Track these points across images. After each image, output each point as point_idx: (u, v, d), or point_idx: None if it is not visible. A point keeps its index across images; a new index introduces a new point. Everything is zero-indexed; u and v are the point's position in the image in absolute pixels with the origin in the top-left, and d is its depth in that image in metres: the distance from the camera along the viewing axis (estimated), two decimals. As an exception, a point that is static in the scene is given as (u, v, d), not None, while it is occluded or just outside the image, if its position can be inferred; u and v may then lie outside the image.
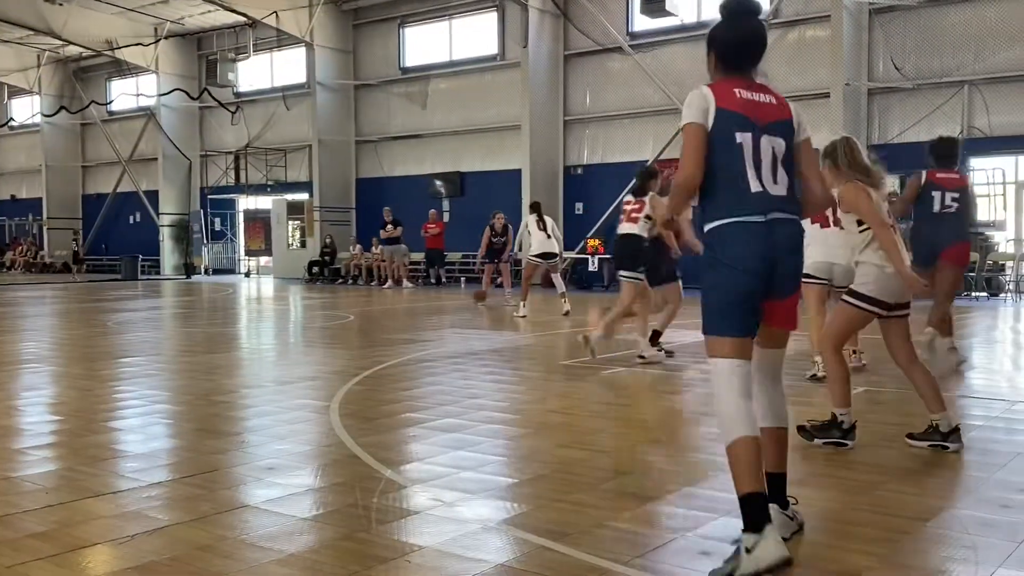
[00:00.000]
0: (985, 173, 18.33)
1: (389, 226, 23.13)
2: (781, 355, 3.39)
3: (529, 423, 5.59)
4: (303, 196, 28.60)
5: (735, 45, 3.30)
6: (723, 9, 3.34)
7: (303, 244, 28.24)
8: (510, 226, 18.04)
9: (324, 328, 12.63)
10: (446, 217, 24.95)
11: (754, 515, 2.94)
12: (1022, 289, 17.90)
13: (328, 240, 26.66)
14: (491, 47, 25.42)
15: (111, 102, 33.51)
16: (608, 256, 21.62)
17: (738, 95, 3.19)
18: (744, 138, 3.14)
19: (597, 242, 22.40)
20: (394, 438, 5.13)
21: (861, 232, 4.74)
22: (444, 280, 23.74)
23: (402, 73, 27.31)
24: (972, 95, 18.84)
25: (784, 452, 3.37)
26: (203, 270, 31.24)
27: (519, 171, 23.75)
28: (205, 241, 31.59)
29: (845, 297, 4.80)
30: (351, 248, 25.83)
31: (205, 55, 31.10)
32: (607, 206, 23.30)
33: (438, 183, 26.05)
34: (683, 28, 21.89)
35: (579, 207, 24.25)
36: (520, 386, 7.23)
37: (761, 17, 3.37)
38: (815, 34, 20.35)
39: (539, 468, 4.44)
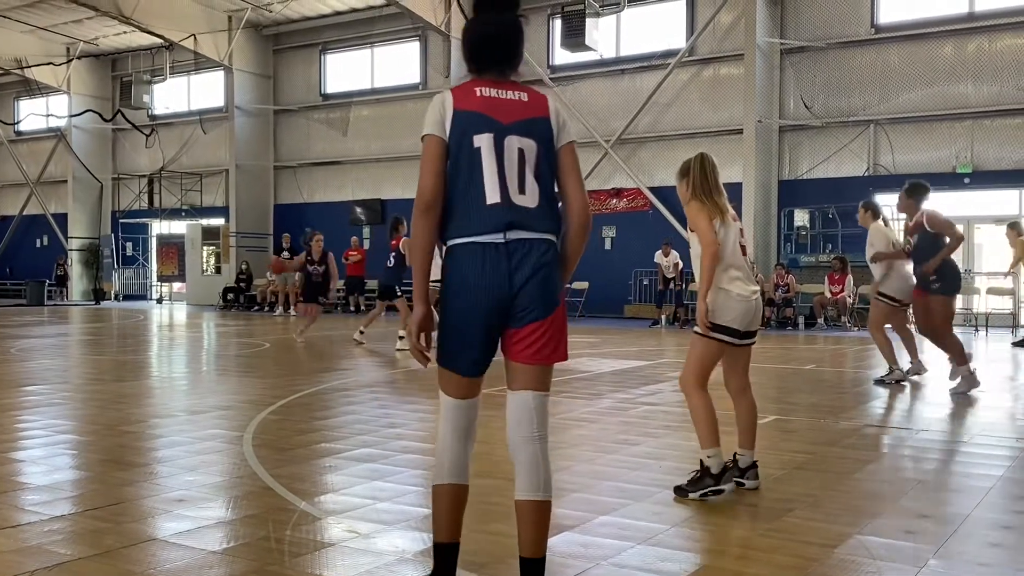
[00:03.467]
0: (890, 209, 19.03)
1: (285, 253, 22.91)
2: (535, 401, 2.87)
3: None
4: (219, 221, 28.10)
5: (481, 40, 2.89)
6: (474, 3, 2.93)
7: (218, 270, 27.71)
8: (330, 253, 14.65)
9: (238, 356, 12.38)
10: (367, 244, 24.77)
11: (439, 567, 2.88)
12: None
13: (244, 266, 26.21)
14: (414, 76, 25.49)
15: (19, 122, 32.46)
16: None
17: (478, 93, 2.82)
18: (483, 140, 2.77)
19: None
20: (309, 469, 5.05)
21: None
22: (364, 308, 23.54)
23: (323, 99, 27.15)
24: (878, 134, 19.63)
25: (543, 531, 2.85)
26: (113, 296, 30.34)
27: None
28: (116, 266, 30.71)
29: (695, 328, 4.51)
30: (267, 275, 25.46)
31: (120, 76, 30.40)
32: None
33: (359, 210, 25.90)
34: (602, 63, 22.34)
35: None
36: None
37: (516, 11, 2.91)
38: (729, 72, 20.96)
39: (456, 498, 4.41)
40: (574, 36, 20.06)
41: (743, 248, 4.54)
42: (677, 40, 21.70)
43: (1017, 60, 18.29)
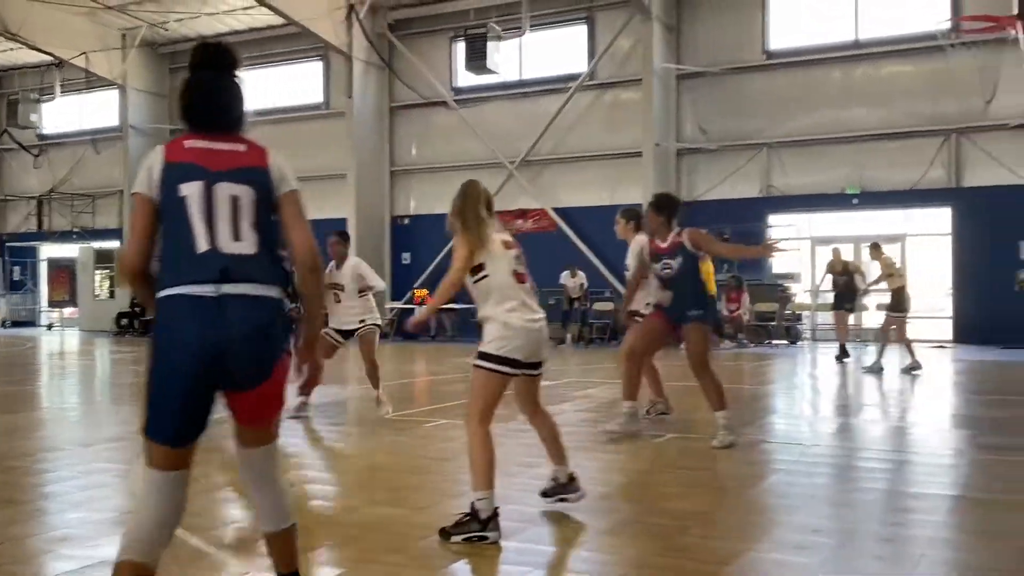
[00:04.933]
0: (782, 229, 19.75)
1: None
2: (267, 453, 2.84)
3: (346, 480, 5.50)
4: (113, 244, 27.18)
5: (193, 100, 2.80)
6: (192, 57, 2.87)
7: (112, 295, 26.75)
8: None
9: (133, 384, 11.97)
10: (268, 267, 24.37)
11: None
12: (818, 337, 19.26)
13: (140, 290, 25.39)
14: (316, 96, 25.26)
15: None
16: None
17: (187, 145, 2.72)
18: (191, 188, 2.63)
19: (424, 292, 22.44)
20: (203, 502, 4.90)
21: (476, 283, 4.34)
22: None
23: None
24: (771, 157, 20.30)
25: (294, 551, 2.94)
26: (0, 322, 29.02)
27: (345, 220, 23.55)
28: (3, 291, 29.39)
29: (475, 361, 4.27)
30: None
31: (6, 95, 29.20)
32: (434, 256, 23.40)
33: (260, 232, 25.43)
34: (505, 86, 22.55)
35: (406, 257, 24.28)
36: (340, 443, 7.11)
37: (231, 70, 2.86)
38: (628, 96, 21.40)
39: (354, 528, 4.37)
40: (477, 59, 20.19)
41: (519, 276, 4.38)
42: (578, 64, 22.07)
43: (901, 86, 19.18)
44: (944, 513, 4.69)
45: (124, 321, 25.24)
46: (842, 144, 19.64)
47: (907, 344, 12.32)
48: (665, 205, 6.96)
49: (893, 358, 12.72)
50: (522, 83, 22.76)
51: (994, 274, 18.32)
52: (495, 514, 4.02)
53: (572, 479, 4.56)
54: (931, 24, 16.87)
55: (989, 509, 4.67)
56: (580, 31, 22.27)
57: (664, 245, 6.83)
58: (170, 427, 2.63)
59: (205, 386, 2.61)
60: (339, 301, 8.60)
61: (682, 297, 6.79)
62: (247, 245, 2.65)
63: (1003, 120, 18.24)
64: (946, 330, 19.08)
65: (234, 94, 2.84)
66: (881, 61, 19.41)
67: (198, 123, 2.78)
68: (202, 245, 2.60)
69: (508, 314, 4.20)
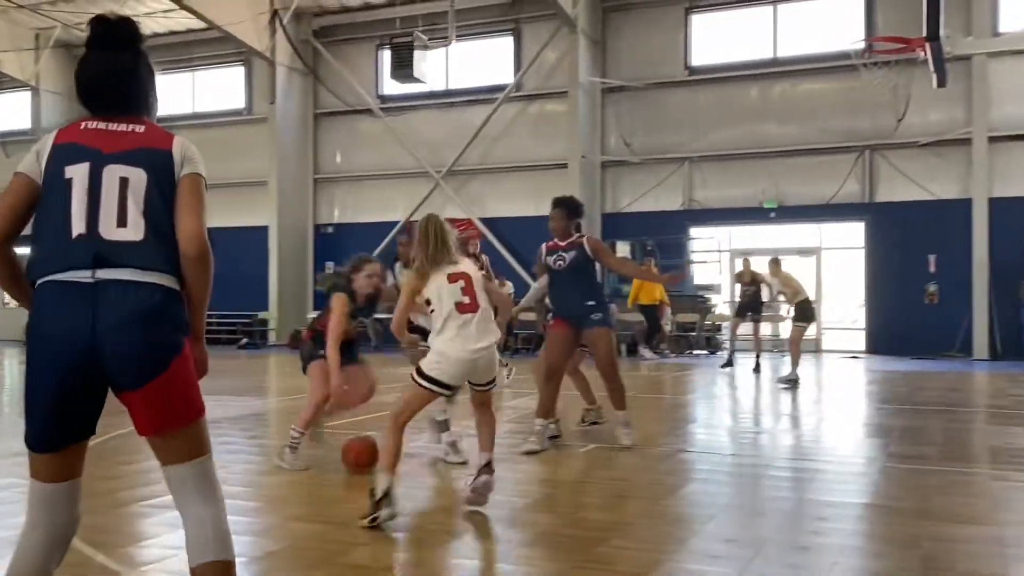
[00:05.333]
0: (703, 242, 20.13)
1: None
2: (187, 473, 2.49)
3: (264, 496, 5.38)
4: (24, 250, 26.23)
5: (87, 81, 2.56)
6: (88, 31, 2.61)
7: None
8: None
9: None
10: (187, 275, 23.84)
11: None
12: (737, 348, 19.61)
13: (52, 298, 24.59)
14: (238, 101, 24.85)
15: None
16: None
17: (82, 126, 2.51)
18: (76, 170, 2.42)
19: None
20: (112, 519, 4.75)
21: (430, 313, 4.67)
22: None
23: (140, 123, 26.00)
24: (692, 170, 20.67)
25: None
26: (-101, 331, 27.71)
27: (266, 228, 23.21)
28: (-97, 298, 28.10)
29: (412, 372, 4.65)
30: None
31: (-91, 93, 28.04)
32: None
33: (178, 239, 24.86)
34: (432, 95, 22.53)
35: (329, 267, 23.97)
36: (258, 456, 6.96)
37: (130, 49, 2.60)
38: (554, 108, 21.58)
39: (272, 544, 4.28)
40: (403, 68, 20.12)
41: (461, 307, 4.57)
42: (505, 76, 22.17)
43: (817, 103, 19.74)
44: (855, 521, 4.81)
45: (34, 330, 24.36)
46: (760, 159, 20.12)
47: (796, 354, 12.48)
48: (575, 210, 7.03)
49: (808, 369, 13.00)
50: (449, 93, 22.78)
51: (905, 287, 18.96)
52: (388, 492, 4.34)
53: (487, 465, 4.75)
54: (846, 44, 17.40)
55: (898, 517, 4.81)
56: (507, 43, 22.38)
57: (563, 244, 6.92)
58: (42, 430, 2.37)
59: (81, 383, 2.34)
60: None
61: (577, 298, 6.88)
62: (132, 231, 2.38)
63: (914, 138, 18.92)
64: (859, 341, 19.66)
65: (131, 73, 2.57)
66: (798, 79, 19.96)
67: (93, 105, 2.55)
68: (78, 229, 2.37)
69: (446, 343, 4.57)
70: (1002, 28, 18.55)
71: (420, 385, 4.58)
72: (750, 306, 14.52)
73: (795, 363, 12.36)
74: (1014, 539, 4.27)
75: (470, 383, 4.74)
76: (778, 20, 20.19)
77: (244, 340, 22.85)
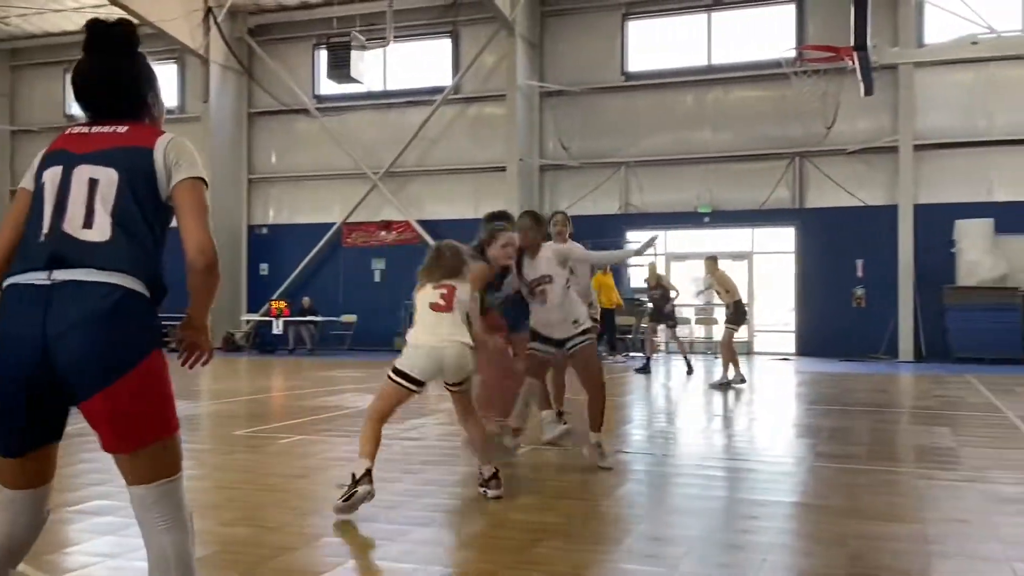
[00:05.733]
0: (639, 245, 20.32)
1: None
2: (149, 495, 2.37)
3: (195, 501, 5.24)
4: None
5: (79, 85, 2.54)
6: (84, 35, 2.58)
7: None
8: None
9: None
10: (116, 276, 23.32)
11: None
12: (671, 350, 19.85)
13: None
14: (170, 100, 24.36)
15: None
16: (295, 319, 21.23)
17: (68, 132, 2.51)
18: (51, 174, 2.41)
19: (282, 304, 21.92)
20: (35, 526, 4.61)
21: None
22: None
23: (68, 120, 25.31)
24: (628, 175, 20.89)
25: None
26: None
27: (199, 230, 22.78)
28: None
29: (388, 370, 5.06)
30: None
31: None
32: (294, 267, 22.97)
33: (108, 240, 24.29)
34: (370, 95, 22.39)
35: (264, 268, 23.68)
36: (189, 460, 6.80)
37: (125, 53, 2.57)
38: (493, 111, 21.61)
39: (201, 549, 4.18)
40: (340, 68, 19.96)
41: (435, 306, 4.99)
42: (443, 78, 22.13)
43: (749, 110, 20.11)
44: (784, 520, 4.89)
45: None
46: (695, 164, 20.42)
47: (730, 357, 12.46)
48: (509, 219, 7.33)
49: (744, 368, 13.16)
50: (387, 94, 22.66)
51: (833, 291, 19.42)
52: (367, 472, 4.68)
53: (495, 475, 5.13)
54: (777, 52, 17.77)
55: (826, 515, 4.91)
56: (445, 45, 22.36)
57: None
58: (7, 434, 2.31)
59: (42, 387, 2.25)
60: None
61: (518, 307, 7.01)
62: (97, 232, 2.31)
63: (842, 145, 19.40)
64: (789, 343, 20.07)
65: (123, 76, 2.53)
66: (732, 86, 20.32)
67: (88, 109, 2.53)
68: (46, 228, 2.33)
69: (415, 338, 4.96)
70: (927, 39, 19.13)
71: (393, 381, 4.94)
72: (661, 311, 14.71)
73: (726, 366, 12.52)
74: (937, 536, 4.39)
75: (445, 385, 5.04)
76: (712, 28, 20.53)
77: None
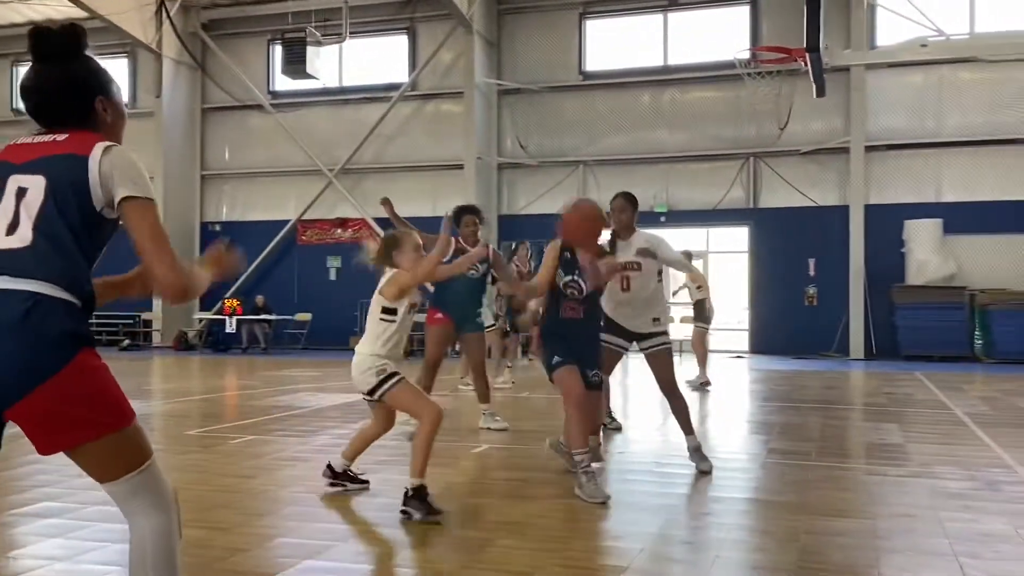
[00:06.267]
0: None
1: None
2: (132, 486, 2.35)
3: (144, 501, 5.18)
4: None
5: (24, 95, 2.50)
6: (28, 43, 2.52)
7: None
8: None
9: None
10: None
11: None
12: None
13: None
14: (121, 94, 23.93)
15: None
16: (249, 317, 20.99)
17: (13, 143, 2.47)
18: None
19: (236, 302, 21.66)
20: (-22, 529, 4.50)
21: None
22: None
23: (15, 114, 24.77)
24: (587, 174, 20.96)
25: None
26: None
27: (151, 226, 22.41)
28: None
29: None
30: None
31: None
32: (247, 265, 22.69)
33: (56, 236, 23.80)
34: (325, 92, 22.22)
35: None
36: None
37: (67, 60, 2.52)
38: (450, 109, 21.56)
39: (150, 551, 4.12)
40: (295, 63, 19.78)
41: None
42: (400, 74, 22.02)
43: (705, 111, 20.29)
44: (737, 515, 4.94)
45: None
46: (652, 164, 20.55)
47: (702, 357, 12.54)
48: (478, 213, 7.82)
49: (711, 370, 13.24)
50: (343, 90, 22.50)
51: (786, 289, 19.66)
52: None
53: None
54: (732, 53, 17.94)
55: (778, 510, 4.97)
56: (401, 41, 22.25)
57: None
58: None
59: None
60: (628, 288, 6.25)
61: (466, 304, 7.60)
62: (18, 239, 2.27)
63: (795, 146, 19.66)
64: (743, 341, 20.28)
65: (65, 84, 2.46)
66: (688, 86, 20.48)
67: (36, 119, 2.48)
68: None
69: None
70: (879, 41, 19.44)
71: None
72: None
73: (703, 365, 12.45)
74: (886, 531, 4.46)
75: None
76: (669, 28, 20.67)
77: (127, 341, 22.05)
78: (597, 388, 5.57)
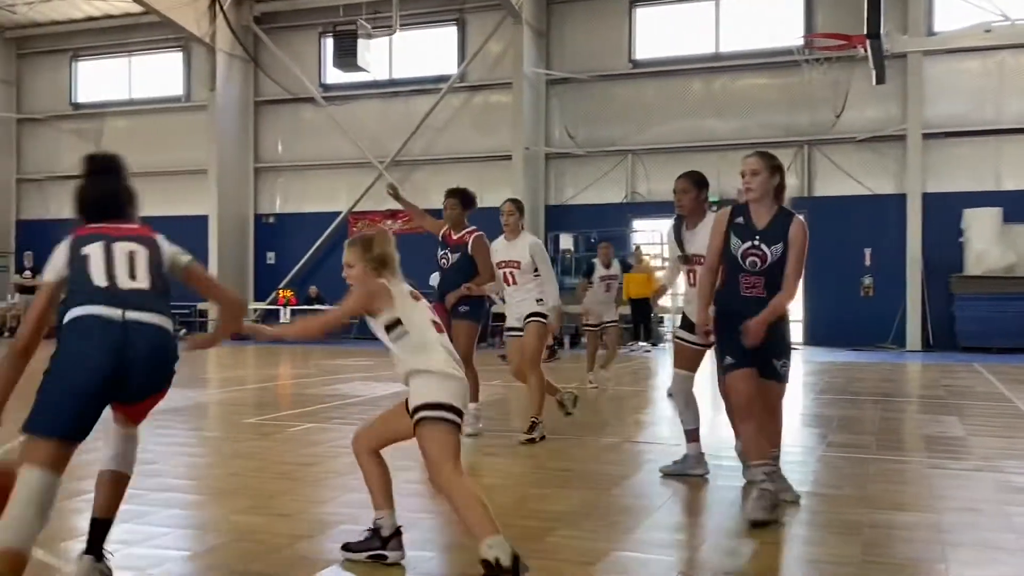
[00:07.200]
0: (646, 234, 20.34)
1: (28, 272, 21.29)
2: (135, 430, 3.52)
3: (207, 489, 5.30)
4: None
5: (91, 202, 3.45)
6: (84, 165, 3.52)
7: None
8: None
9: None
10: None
11: None
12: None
13: (-20, 288, 23.89)
14: (176, 88, 24.36)
15: None
16: (302, 307, 21.24)
17: (103, 226, 3.35)
18: (92, 248, 3.24)
19: (289, 293, 21.95)
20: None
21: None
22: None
23: (74, 108, 25.34)
24: (635, 163, 20.83)
25: (118, 500, 3.49)
26: None
27: (206, 217, 22.80)
28: None
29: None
30: (9, 297, 23.29)
31: None
32: (300, 256, 23.00)
33: (114, 228, 24.31)
34: (376, 84, 22.34)
35: (271, 256, 23.70)
36: (200, 448, 6.85)
37: (119, 175, 3.54)
38: (499, 100, 21.55)
39: (215, 538, 4.21)
40: (346, 56, 19.91)
41: (437, 325, 4.08)
42: (449, 66, 22.07)
43: (757, 98, 20.02)
44: (797, 509, 4.89)
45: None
46: (702, 152, 20.32)
47: None
48: (470, 201, 7.51)
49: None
50: (393, 82, 22.60)
51: (841, 280, 19.35)
52: (397, 532, 3.79)
53: (397, 533, 3.85)
54: (786, 40, 17.67)
55: (837, 504, 4.91)
56: (451, 32, 22.28)
57: (455, 237, 7.40)
58: (68, 420, 3.09)
59: (105, 392, 3.13)
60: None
61: (450, 292, 7.20)
62: (140, 282, 3.24)
63: (851, 134, 19.32)
64: (797, 333, 20.03)
65: (121, 195, 3.50)
66: (739, 73, 20.23)
67: (97, 217, 3.39)
68: (99, 282, 3.18)
69: (442, 363, 3.71)
70: (937, 27, 19.02)
71: (443, 420, 3.58)
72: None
73: None
74: (950, 525, 4.39)
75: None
76: (720, 15, 20.42)
77: (183, 331, 22.43)
78: (782, 380, 4.79)
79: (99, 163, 3.52)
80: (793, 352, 4.63)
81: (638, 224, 20.87)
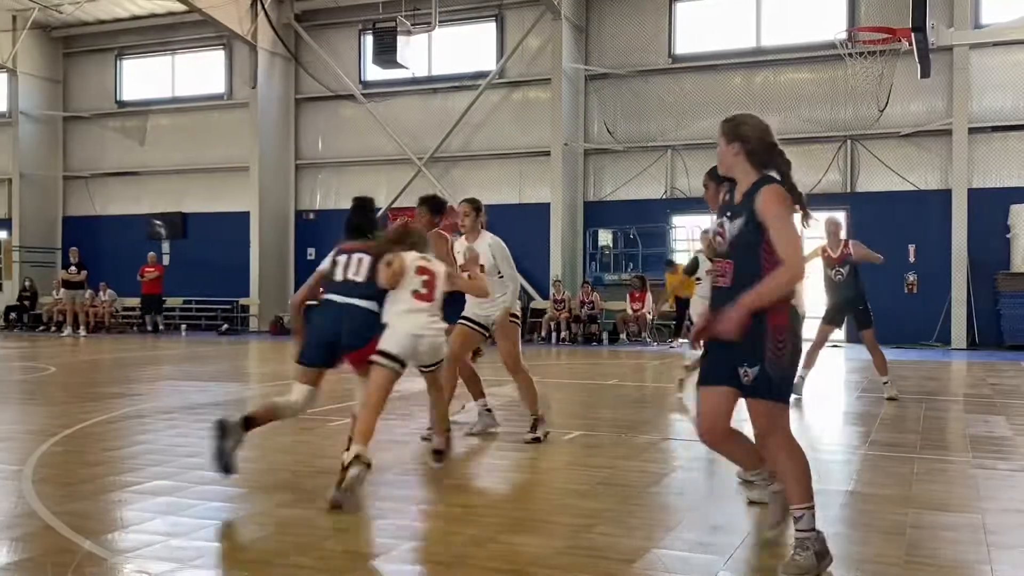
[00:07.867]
0: (685, 230, 20.20)
1: (73, 268, 21.66)
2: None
3: (249, 482, 5.35)
4: (0, 235, 26.01)
5: (352, 228, 5.53)
6: (354, 201, 5.72)
7: (-1, 287, 25.61)
8: None
9: (20, 382, 11.47)
10: (166, 260, 23.67)
11: None
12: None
13: (28, 283, 24.36)
14: (218, 85, 24.63)
15: None
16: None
17: (343, 244, 5.44)
18: (341, 258, 5.35)
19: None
20: (96, 505, 4.72)
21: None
22: (162, 327, 22.41)
23: (119, 106, 25.74)
24: (674, 159, 20.69)
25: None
26: None
27: (247, 213, 23.07)
28: None
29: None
30: (55, 292, 23.77)
31: None
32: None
33: (157, 223, 24.68)
34: (415, 81, 22.42)
35: (311, 252, 23.88)
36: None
37: (365, 210, 5.65)
38: (537, 95, 21.52)
39: (257, 531, 4.27)
40: (386, 53, 20.00)
41: (416, 294, 5.16)
42: (488, 62, 22.08)
43: (799, 92, 19.79)
44: (838, 508, 4.84)
45: (12, 315, 24.20)
46: (743, 148, 20.13)
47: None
48: (440, 207, 7.31)
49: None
50: (431, 79, 22.67)
51: (885, 276, 19.02)
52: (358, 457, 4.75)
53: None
54: (829, 33, 17.43)
55: (879, 504, 4.85)
56: (489, 28, 22.28)
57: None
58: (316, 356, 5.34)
59: (333, 344, 5.28)
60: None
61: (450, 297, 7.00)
62: (359, 277, 5.27)
63: (895, 128, 19.02)
64: (839, 331, 19.75)
65: (366, 224, 5.56)
66: (781, 68, 20.00)
67: (350, 235, 5.47)
68: (339, 277, 5.30)
69: (395, 318, 5.18)
70: (984, 20, 18.65)
71: (381, 364, 5.04)
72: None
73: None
74: (996, 527, 4.32)
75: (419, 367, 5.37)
76: (761, 9, 20.21)
77: (225, 326, 22.72)
78: (753, 395, 3.95)
79: (360, 204, 5.66)
80: (792, 354, 3.85)
81: (678, 220, 20.73)
